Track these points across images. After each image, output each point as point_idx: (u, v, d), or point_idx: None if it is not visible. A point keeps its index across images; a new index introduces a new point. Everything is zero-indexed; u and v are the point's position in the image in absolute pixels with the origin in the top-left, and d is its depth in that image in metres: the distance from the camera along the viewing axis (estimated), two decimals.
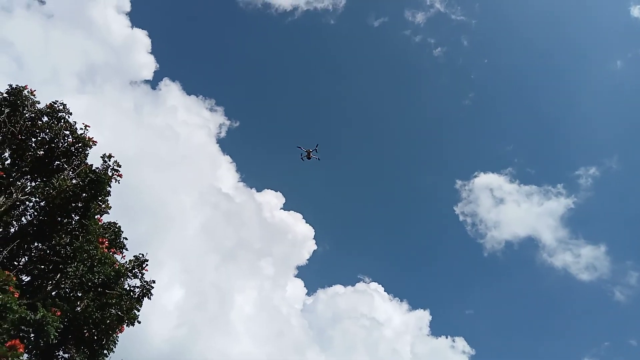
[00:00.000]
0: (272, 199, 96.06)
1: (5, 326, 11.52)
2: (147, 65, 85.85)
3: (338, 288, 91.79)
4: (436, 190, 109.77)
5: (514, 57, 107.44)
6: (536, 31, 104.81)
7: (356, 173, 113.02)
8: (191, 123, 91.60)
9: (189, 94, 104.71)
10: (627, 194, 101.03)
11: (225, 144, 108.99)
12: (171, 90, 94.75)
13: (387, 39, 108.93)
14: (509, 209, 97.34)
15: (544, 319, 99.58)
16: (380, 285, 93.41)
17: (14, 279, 12.60)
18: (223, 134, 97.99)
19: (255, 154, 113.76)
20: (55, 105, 17.16)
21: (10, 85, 16.55)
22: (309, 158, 43.24)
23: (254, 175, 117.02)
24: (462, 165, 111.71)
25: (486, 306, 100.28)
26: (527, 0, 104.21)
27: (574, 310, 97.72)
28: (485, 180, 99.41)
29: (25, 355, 12.98)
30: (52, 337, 12.55)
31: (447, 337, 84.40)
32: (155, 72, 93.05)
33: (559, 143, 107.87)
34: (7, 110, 16.36)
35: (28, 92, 16.77)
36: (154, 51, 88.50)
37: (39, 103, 16.94)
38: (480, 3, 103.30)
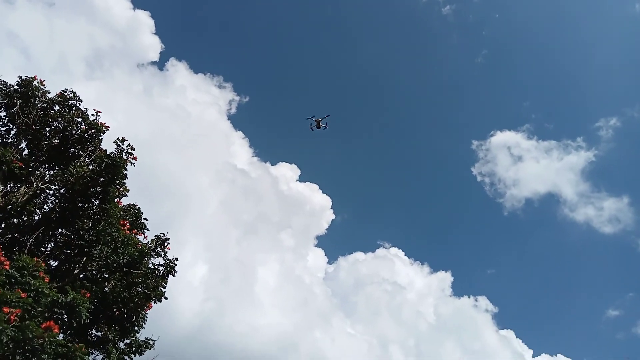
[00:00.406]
0: (288, 171, 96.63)
1: (40, 309, 12.04)
2: (153, 46, 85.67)
3: (358, 255, 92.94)
4: (452, 151, 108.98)
5: (526, 10, 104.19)
6: None
7: (370, 139, 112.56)
8: (201, 101, 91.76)
9: (196, 72, 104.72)
10: None
11: (237, 120, 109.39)
12: (178, 70, 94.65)
13: (394, 2, 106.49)
14: (527, 166, 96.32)
15: (566, 274, 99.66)
16: (401, 250, 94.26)
17: (43, 264, 13.09)
18: (233, 110, 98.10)
19: (267, 127, 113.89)
20: (66, 94, 17.40)
21: (20, 77, 16.81)
22: (318, 127, 43.15)
23: (267, 149, 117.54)
24: (477, 125, 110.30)
25: (508, 265, 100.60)
26: None
27: (597, 263, 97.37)
28: (502, 138, 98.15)
29: (61, 335, 13.57)
30: (84, 317, 13.10)
31: (469, 297, 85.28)
32: (161, 52, 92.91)
33: (577, 95, 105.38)
34: (19, 102, 16.66)
35: (38, 82, 17.00)
36: (158, 32, 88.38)
37: (49, 93, 17.20)
38: None
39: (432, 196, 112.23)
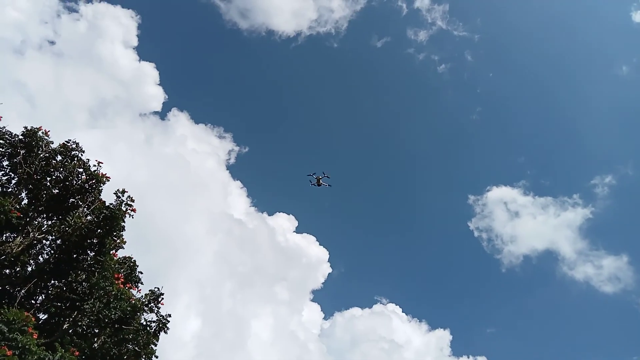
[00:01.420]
0: (285, 222, 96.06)
1: None
2: (156, 96, 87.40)
3: (355, 311, 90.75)
4: (449, 206, 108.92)
5: (519, 69, 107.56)
6: (540, 41, 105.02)
7: (367, 193, 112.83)
8: (201, 151, 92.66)
9: (197, 122, 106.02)
10: None
11: (235, 170, 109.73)
12: (180, 119, 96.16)
13: (391, 59, 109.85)
14: (524, 222, 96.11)
15: (568, 334, 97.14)
16: (398, 306, 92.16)
17: (33, 319, 12.69)
18: (232, 160, 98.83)
19: (265, 178, 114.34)
20: (69, 144, 17.52)
21: (26, 127, 16.98)
22: (319, 185, 43.12)
23: (265, 200, 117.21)
24: (474, 180, 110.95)
25: (508, 324, 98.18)
26: (529, 10, 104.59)
27: (599, 323, 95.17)
28: (499, 193, 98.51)
29: None
30: None
31: (468, 357, 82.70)
32: (164, 103, 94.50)
33: (572, 152, 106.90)
34: (22, 152, 16.75)
35: (42, 132, 17.16)
36: (162, 82, 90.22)
37: (52, 143, 17.32)
38: (481, 17, 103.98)
39: (429, 251, 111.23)
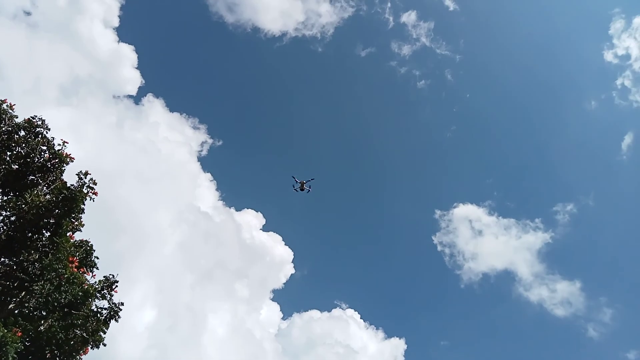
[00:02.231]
0: (252, 219, 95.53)
1: None
2: (132, 80, 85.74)
3: (314, 313, 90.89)
4: (415, 219, 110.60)
5: (496, 93, 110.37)
6: (519, 69, 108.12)
7: (338, 198, 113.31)
8: (173, 140, 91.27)
9: (172, 110, 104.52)
10: (603, 231, 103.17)
11: (207, 163, 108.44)
12: (154, 106, 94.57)
13: (374, 69, 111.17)
14: (487, 241, 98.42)
15: (518, 352, 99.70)
16: (357, 312, 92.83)
17: None
18: (205, 152, 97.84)
19: (236, 173, 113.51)
20: (34, 121, 17.02)
21: None
22: (302, 190, 43.23)
23: (234, 195, 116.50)
24: (442, 196, 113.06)
25: (461, 338, 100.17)
26: (511, 37, 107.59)
27: (547, 345, 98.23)
28: (465, 211, 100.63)
29: None
30: (10, 358, 12.17)
31: None
32: (140, 87, 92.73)
33: (539, 178, 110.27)
34: None
35: (7, 105, 16.63)
36: (140, 66, 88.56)
37: (17, 117, 16.80)
38: (464, 39, 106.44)
39: (392, 261, 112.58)
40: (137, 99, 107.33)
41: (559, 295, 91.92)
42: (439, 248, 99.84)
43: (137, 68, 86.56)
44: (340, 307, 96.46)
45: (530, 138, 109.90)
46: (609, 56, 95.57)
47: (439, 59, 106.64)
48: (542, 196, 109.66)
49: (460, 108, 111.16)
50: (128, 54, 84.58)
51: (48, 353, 15.95)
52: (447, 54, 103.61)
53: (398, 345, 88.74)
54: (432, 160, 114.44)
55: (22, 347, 13.31)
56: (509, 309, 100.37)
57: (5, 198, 16.84)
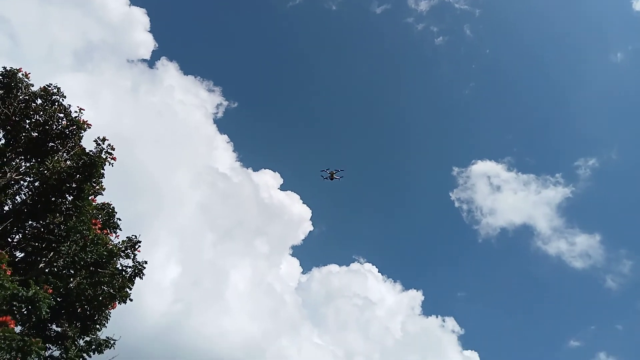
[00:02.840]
0: (270, 179, 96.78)
1: None
2: (145, 44, 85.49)
3: (332, 267, 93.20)
4: (433, 175, 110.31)
5: (516, 47, 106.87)
6: (540, 21, 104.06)
7: (355, 156, 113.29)
8: (188, 103, 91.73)
9: (186, 74, 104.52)
10: (625, 185, 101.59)
11: (223, 124, 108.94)
12: (168, 69, 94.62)
13: (389, 26, 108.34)
14: (505, 196, 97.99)
15: (534, 303, 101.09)
16: (375, 266, 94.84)
17: (7, 256, 13.12)
18: (220, 115, 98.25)
19: (252, 134, 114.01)
20: (50, 89, 17.50)
21: (5, 68, 16.88)
22: (331, 179, 43.44)
23: (251, 155, 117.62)
24: (460, 153, 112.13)
25: (478, 289, 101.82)
26: None
27: (564, 296, 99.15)
28: (483, 167, 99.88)
29: (18, 329, 13.56)
30: (44, 313, 13.12)
31: (437, 317, 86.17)
32: (153, 51, 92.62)
33: (559, 134, 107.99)
34: (1, 92, 16.73)
35: (22, 74, 17.10)
36: (152, 30, 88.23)
37: (32, 86, 17.29)
38: None
39: (410, 217, 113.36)
40: (150, 62, 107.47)
41: (578, 248, 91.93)
42: (457, 204, 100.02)
43: (149, 31, 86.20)
44: (358, 262, 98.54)
45: (552, 92, 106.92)
46: (638, 5, 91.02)
47: (457, 14, 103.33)
48: (563, 151, 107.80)
49: (479, 64, 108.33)
50: (140, 17, 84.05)
51: (79, 308, 17.03)
52: (466, 8, 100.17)
53: (415, 296, 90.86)
54: (451, 117, 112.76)
55: (54, 303, 14.26)
56: (527, 262, 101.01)
57: (28, 165, 17.60)
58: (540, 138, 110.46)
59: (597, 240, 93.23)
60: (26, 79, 17.10)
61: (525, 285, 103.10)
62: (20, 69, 17.05)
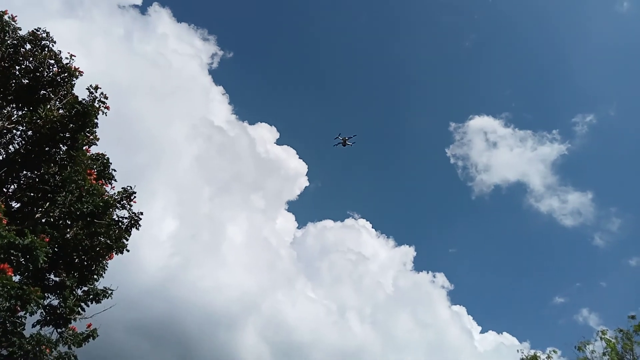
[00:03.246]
0: (266, 132, 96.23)
1: None
2: None
3: (327, 222, 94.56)
4: (430, 131, 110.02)
5: (518, 2, 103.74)
6: None
7: (350, 110, 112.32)
8: (182, 52, 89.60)
9: (179, 21, 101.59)
10: (621, 143, 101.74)
11: (218, 75, 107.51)
12: (161, 16, 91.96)
13: None
14: (501, 153, 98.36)
15: (523, 260, 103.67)
16: (368, 222, 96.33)
17: (2, 205, 12.96)
18: (215, 65, 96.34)
19: (249, 86, 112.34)
20: (38, 33, 16.78)
21: None
22: (344, 145, 43.05)
23: (247, 108, 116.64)
24: (457, 108, 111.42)
25: (469, 246, 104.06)
26: None
27: (552, 253, 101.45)
28: (480, 123, 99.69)
29: (17, 278, 13.58)
30: (41, 262, 13.10)
31: (428, 272, 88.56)
32: None
33: (559, 89, 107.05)
34: None
35: (9, 17, 16.33)
36: None
37: (20, 30, 16.56)
38: None
39: (405, 173, 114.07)
40: (142, 8, 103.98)
41: (570, 206, 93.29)
42: (452, 160, 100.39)
43: None
44: (352, 217, 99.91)
45: (553, 45, 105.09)
46: None
47: None
48: (562, 107, 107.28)
49: (481, 14, 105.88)
50: None
51: (76, 258, 17.04)
52: None
53: (407, 252, 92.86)
54: (450, 70, 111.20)
55: (51, 252, 14.24)
56: (518, 219, 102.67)
57: (20, 113, 17.13)
58: (539, 93, 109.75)
59: (588, 198, 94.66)
60: (13, 22, 16.35)
61: (516, 243, 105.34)
62: (6, 11, 16.27)
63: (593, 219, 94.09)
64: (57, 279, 16.57)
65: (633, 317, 30.68)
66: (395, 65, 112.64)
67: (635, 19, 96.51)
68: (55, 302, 16.28)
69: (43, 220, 16.25)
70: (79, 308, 16.61)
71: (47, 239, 13.94)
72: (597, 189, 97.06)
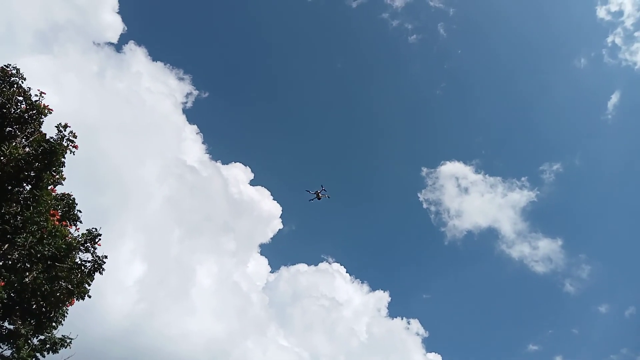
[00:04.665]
0: (240, 173, 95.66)
1: None
2: (113, 26, 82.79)
3: (301, 266, 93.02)
4: (402, 176, 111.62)
5: (487, 51, 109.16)
6: (510, 25, 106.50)
7: (325, 154, 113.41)
8: (156, 91, 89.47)
9: (155, 60, 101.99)
10: (587, 190, 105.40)
11: (192, 115, 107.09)
12: (136, 54, 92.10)
13: (365, 21, 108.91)
14: (472, 198, 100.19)
15: (496, 306, 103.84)
16: (343, 266, 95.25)
17: None
18: (190, 104, 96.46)
19: (223, 125, 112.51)
20: (8, 69, 16.43)
21: None
22: (319, 199, 43.13)
23: (221, 148, 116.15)
24: (429, 153, 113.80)
25: (443, 292, 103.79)
26: None
27: (525, 300, 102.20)
28: (452, 168, 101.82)
29: None
30: None
31: (402, 319, 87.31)
32: (121, 34, 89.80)
33: (527, 137, 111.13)
34: None
35: None
36: (121, 11, 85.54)
37: None
38: None
39: (378, 217, 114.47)
40: (118, 46, 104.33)
41: (541, 252, 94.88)
42: (425, 205, 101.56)
43: (118, 13, 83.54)
44: (326, 261, 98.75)
45: (520, 96, 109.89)
46: (601, 13, 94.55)
47: (432, 12, 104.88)
48: (529, 155, 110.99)
49: (451, 65, 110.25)
50: None
51: (34, 304, 16.07)
52: (441, 7, 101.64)
53: (382, 297, 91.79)
54: (421, 117, 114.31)
55: (6, 297, 13.38)
56: (491, 265, 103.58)
57: None
58: (507, 141, 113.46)
59: (558, 244, 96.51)
60: None
61: (489, 289, 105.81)
62: None
63: (563, 265, 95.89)
64: (12, 326, 15.52)
65: None
66: (369, 110, 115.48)
67: (591, 74, 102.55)
68: (7, 353, 15.19)
69: (0, 263, 15.38)
70: (34, 359, 15.53)
71: (2, 283, 13.11)
72: (566, 235, 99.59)
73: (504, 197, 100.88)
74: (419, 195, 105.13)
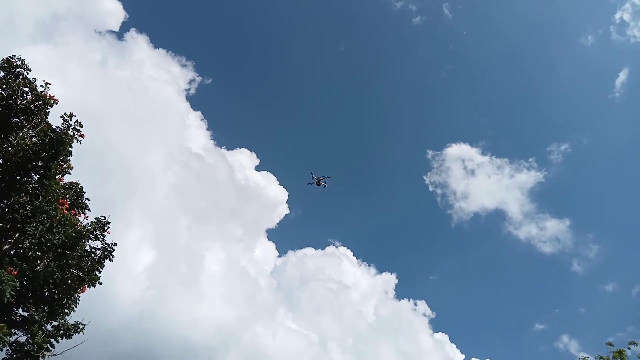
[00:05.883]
0: (245, 158, 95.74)
1: None
2: (114, 13, 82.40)
3: (308, 250, 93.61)
4: (408, 159, 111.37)
5: (493, 30, 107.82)
6: (514, 5, 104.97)
7: (331, 138, 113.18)
8: (159, 79, 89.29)
9: (157, 47, 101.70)
10: (595, 170, 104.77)
11: (196, 101, 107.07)
12: (138, 42, 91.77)
13: (367, 3, 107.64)
14: (479, 180, 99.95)
15: (503, 287, 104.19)
16: (349, 250, 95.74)
17: None
18: (193, 91, 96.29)
19: (228, 111, 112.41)
20: (13, 61, 16.53)
21: None
22: (318, 185, 43.27)
23: (226, 134, 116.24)
24: (435, 136, 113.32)
25: (449, 273, 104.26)
26: None
27: (532, 279, 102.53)
28: (458, 151, 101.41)
29: None
30: (7, 296, 12.54)
31: (409, 300, 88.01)
32: (123, 22, 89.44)
33: (533, 118, 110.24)
34: None
35: None
36: None
37: None
38: None
39: (385, 200, 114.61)
40: (119, 34, 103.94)
41: (548, 232, 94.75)
42: (431, 188, 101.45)
43: (119, 0, 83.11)
44: (333, 245, 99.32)
45: (526, 76, 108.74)
46: None
47: None
48: (537, 136, 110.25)
49: (456, 46, 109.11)
50: None
51: (46, 291, 16.40)
52: None
53: (389, 280, 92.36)
54: (426, 99, 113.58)
55: (19, 285, 13.65)
56: (498, 247, 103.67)
57: None
58: (514, 122, 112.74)
59: (566, 225, 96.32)
60: None
61: (495, 270, 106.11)
62: None
63: (571, 245, 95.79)
64: (25, 313, 15.88)
65: (611, 344, 30.90)
66: (374, 94, 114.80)
67: (598, 52, 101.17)
68: (22, 339, 15.54)
69: (12, 252, 15.67)
70: (48, 344, 15.89)
71: (15, 272, 13.39)
72: (574, 215, 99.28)
73: (511, 178, 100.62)
74: (424, 178, 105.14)
